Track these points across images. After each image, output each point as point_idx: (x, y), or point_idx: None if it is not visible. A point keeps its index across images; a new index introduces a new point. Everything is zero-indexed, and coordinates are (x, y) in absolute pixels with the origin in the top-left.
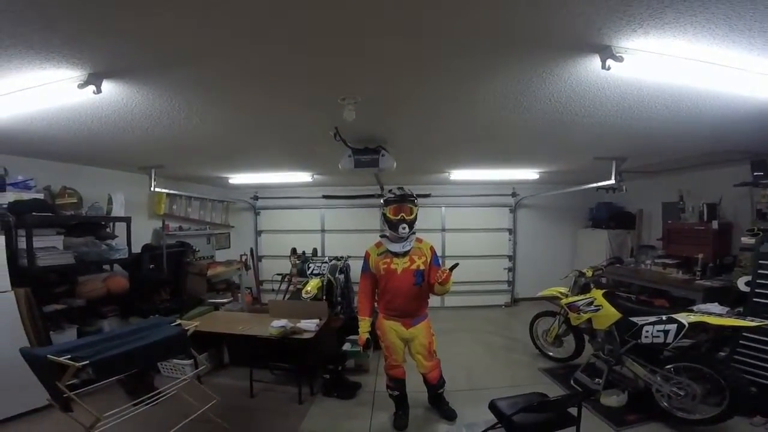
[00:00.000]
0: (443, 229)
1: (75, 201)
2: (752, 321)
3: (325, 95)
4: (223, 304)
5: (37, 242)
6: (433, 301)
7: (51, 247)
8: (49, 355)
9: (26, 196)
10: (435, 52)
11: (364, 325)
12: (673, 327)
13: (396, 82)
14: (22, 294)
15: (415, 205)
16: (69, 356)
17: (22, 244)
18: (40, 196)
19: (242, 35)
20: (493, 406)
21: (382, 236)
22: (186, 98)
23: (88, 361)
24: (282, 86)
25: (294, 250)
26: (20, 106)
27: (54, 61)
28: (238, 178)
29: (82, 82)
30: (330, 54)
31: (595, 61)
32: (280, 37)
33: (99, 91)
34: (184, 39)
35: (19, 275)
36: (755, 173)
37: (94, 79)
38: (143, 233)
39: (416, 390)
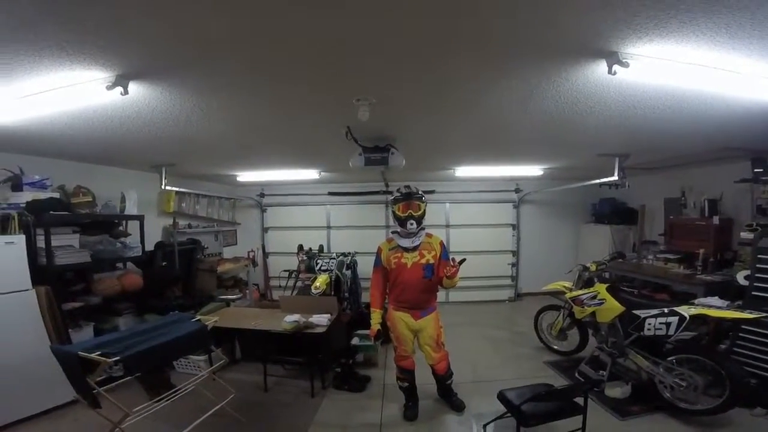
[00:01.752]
0: (447, 225)
1: (90, 200)
2: (751, 313)
3: (339, 96)
4: (233, 300)
5: (55, 241)
6: (438, 296)
7: (68, 246)
8: (80, 352)
9: (42, 195)
10: (451, 58)
11: (375, 316)
12: (674, 319)
13: (411, 84)
14: (42, 292)
15: (423, 202)
16: (99, 352)
17: (39, 243)
18: (56, 195)
19: (265, 37)
20: (501, 397)
21: (393, 232)
22: (205, 98)
23: (119, 357)
24: (300, 87)
25: (301, 247)
26: (45, 107)
27: (85, 63)
28: (247, 176)
29: (110, 84)
30: (348, 56)
31: (602, 66)
32: (303, 42)
33: (126, 92)
34: (210, 40)
35: (37, 273)
36: (755, 170)
37: (122, 80)
38: (153, 231)
39: (425, 382)
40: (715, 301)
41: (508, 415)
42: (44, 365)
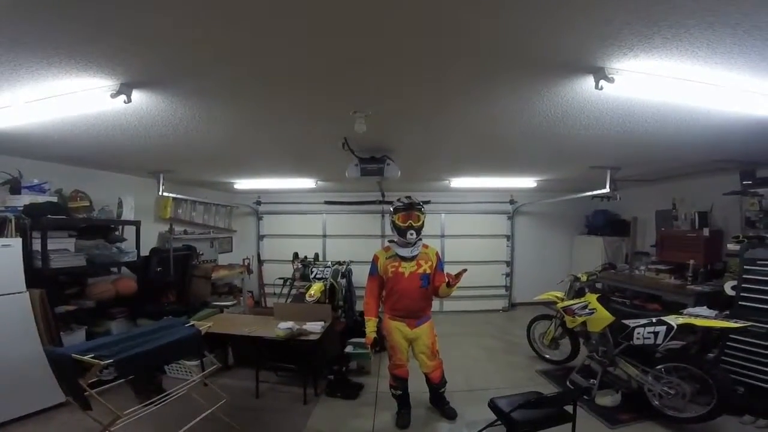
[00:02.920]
0: (443, 235)
1: (87, 204)
2: (737, 323)
3: (337, 108)
4: (227, 306)
5: (51, 245)
6: (432, 305)
7: (63, 250)
8: (74, 354)
9: (40, 199)
10: (445, 74)
11: (371, 324)
12: (662, 329)
13: (407, 98)
14: (37, 295)
15: (422, 213)
16: (92, 355)
17: (35, 246)
18: (54, 199)
19: (265, 51)
20: (492, 404)
21: (390, 241)
22: (206, 107)
23: (112, 360)
24: (299, 98)
25: (296, 255)
26: (49, 112)
27: (91, 70)
28: (244, 183)
29: (114, 92)
30: (346, 71)
31: (589, 81)
32: (302, 57)
33: (129, 100)
34: (214, 51)
35: (33, 276)
36: (744, 182)
37: (126, 88)
38: (149, 237)
39: (418, 390)
40: (703, 310)
41: (499, 423)
42: (35, 367)
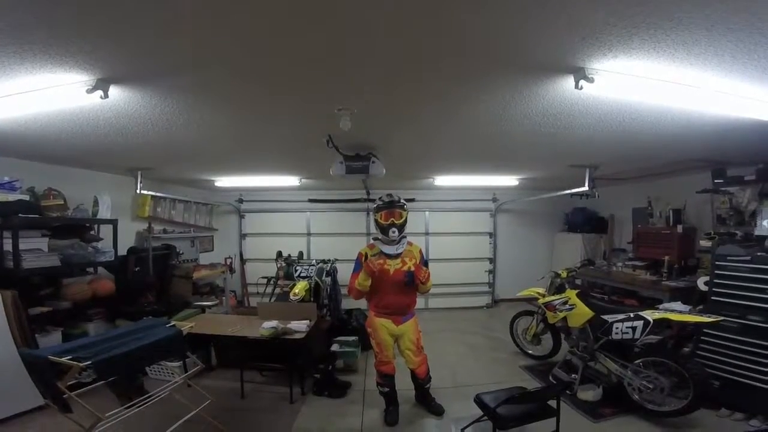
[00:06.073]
0: (427, 233)
1: (61, 203)
2: (710, 317)
3: (321, 105)
4: (209, 306)
5: (23, 244)
6: (417, 303)
7: (36, 249)
8: (50, 356)
9: (11, 197)
10: (427, 74)
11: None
12: (639, 323)
13: (391, 97)
14: (8, 296)
15: (404, 210)
16: (70, 357)
17: (6, 245)
18: (26, 197)
19: (248, 49)
20: (478, 400)
21: (375, 239)
22: (188, 103)
23: (90, 362)
24: (282, 95)
25: (280, 253)
26: (21, 108)
27: (66, 66)
28: (225, 181)
29: (90, 87)
30: (330, 70)
31: (569, 81)
32: (286, 55)
33: (106, 96)
34: (195, 50)
35: (3, 277)
36: (715, 181)
37: (102, 84)
38: (127, 236)
39: (404, 388)
40: (677, 305)
41: (485, 418)
42: (9, 371)
